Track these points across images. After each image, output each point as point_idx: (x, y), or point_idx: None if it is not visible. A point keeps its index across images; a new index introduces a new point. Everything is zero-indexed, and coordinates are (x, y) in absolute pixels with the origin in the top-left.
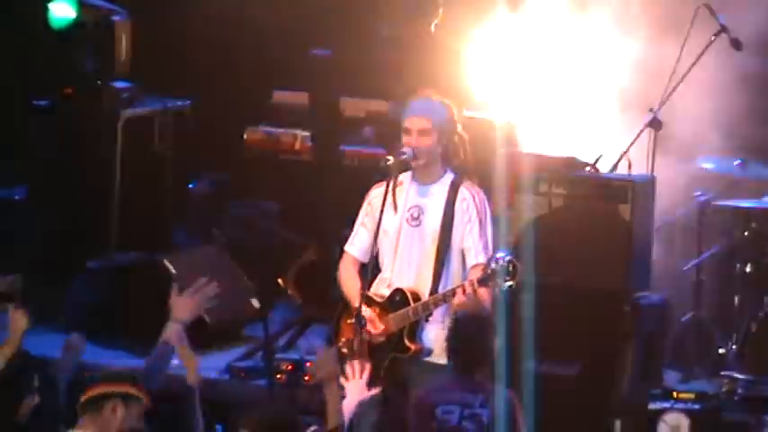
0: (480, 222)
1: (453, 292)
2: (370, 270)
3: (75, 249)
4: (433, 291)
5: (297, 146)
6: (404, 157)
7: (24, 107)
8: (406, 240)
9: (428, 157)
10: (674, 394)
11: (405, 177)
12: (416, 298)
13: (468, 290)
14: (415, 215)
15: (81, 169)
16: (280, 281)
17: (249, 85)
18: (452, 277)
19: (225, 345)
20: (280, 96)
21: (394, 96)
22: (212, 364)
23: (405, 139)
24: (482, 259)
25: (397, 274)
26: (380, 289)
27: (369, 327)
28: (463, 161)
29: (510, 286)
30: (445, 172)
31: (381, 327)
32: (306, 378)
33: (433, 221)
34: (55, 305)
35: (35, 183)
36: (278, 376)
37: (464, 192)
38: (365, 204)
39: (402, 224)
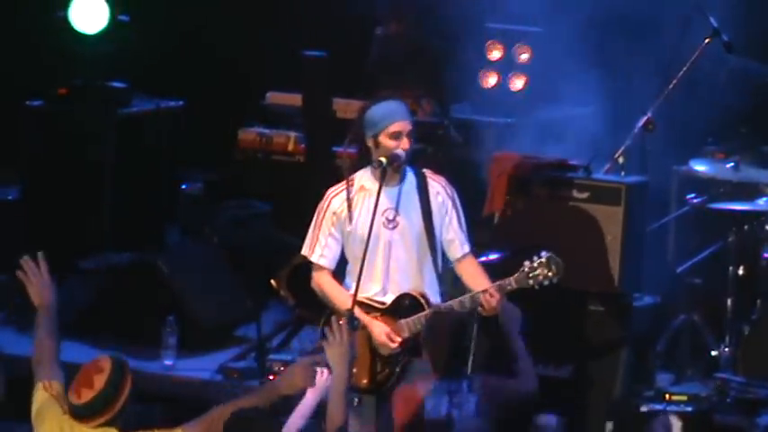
0: (457, 212)
1: (483, 294)
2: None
3: (68, 250)
4: (442, 289)
5: (290, 147)
6: (399, 159)
7: (18, 107)
8: (388, 244)
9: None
10: (667, 396)
11: (366, 182)
12: (427, 300)
13: (498, 291)
14: (391, 217)
15: (74, 169)
16: (272, 282)
17: (242, 86)
18: (438, 272)
19: (217, 345)
20: (273, 97)
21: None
22: (205, 365)
23: (393, 143)
24: (467, 249)
25: (386, 279)
26: (370, 294)
27: (386, 340)
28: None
29: (551, 281)
30: (405, 167)
31: (399, 339)
32: None
33: (413, 220)
34: None
35: (28, 183)
36: (270, 377)
37: (434, 184)
38: (328, 214)
39: (379, 228)
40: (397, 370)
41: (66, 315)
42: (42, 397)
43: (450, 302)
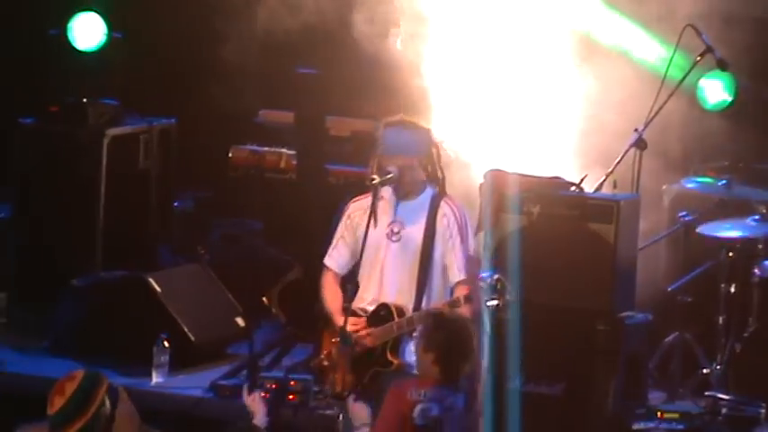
0: (461, 238)
1: (438, 309)
2: (350, 284)
3: (60, 267)
4: (417, 306)
5: (282, 164)
6: (389, 176)
7: (9, 124)
8: (388, 255)
9: (413, 181)
10: (659, 414)
11: (386, 192)
12: (401, 313)
13: (453, 307)
14: (396, 230)
15: (66, 187)
16: (264, 299)
17: (235, 104)
18: (435, 292)
19: (209, 363)
20: (265, 115)
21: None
22: (196, 382)
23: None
24: (463, 276)
25: (380, 289)
26: (364, 303)
27: (351, 332)
28: (442, 177)
29: (496, 305)
30: (425, 187)
31: (364, 331)
32: (290, 396)
33: (415, 236)
34: (40, 324)
35: (20, 201)
36: (262, 395)
37: (444, 207)
38: (344, 218)
39: (383, 239)
40: (367, 378)
41: (58, 332)
42: None
43: (410, 315)
